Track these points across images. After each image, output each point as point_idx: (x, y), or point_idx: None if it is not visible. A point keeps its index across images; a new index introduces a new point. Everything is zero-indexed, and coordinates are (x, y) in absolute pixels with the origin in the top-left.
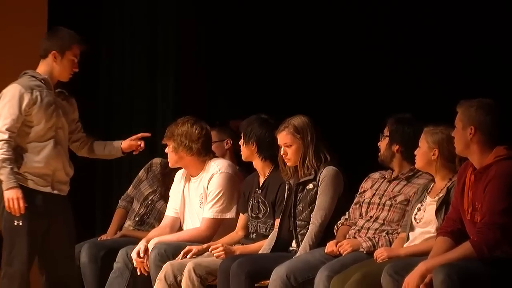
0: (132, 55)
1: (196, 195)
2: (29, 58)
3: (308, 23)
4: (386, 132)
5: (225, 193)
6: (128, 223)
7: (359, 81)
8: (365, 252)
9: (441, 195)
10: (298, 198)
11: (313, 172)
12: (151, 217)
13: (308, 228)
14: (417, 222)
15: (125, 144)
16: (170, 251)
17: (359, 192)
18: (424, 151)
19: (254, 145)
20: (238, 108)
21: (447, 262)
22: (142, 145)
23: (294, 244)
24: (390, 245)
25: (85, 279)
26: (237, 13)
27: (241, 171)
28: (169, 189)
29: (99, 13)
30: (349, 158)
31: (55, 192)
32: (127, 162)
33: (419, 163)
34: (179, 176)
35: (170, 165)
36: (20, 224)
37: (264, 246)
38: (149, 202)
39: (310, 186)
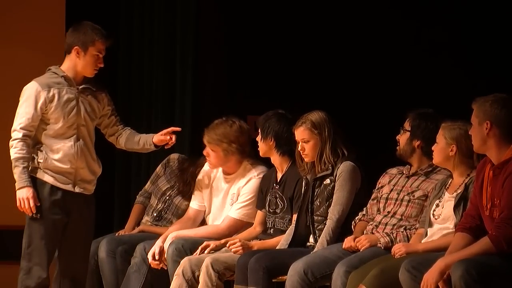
0: (151, 48)
1: (227, 193)
2: (50, 53)
3: (327, 18)
4: (407, 126)
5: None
6: (146, 218)
7: (377, 75)
8: (383, 248)
9: (459, 191)
10: (315, 193)
11: (330, 167)
12: (168, 212)
13: (325, 224)
14: (435, 218)
15: (156, 138)
16: (187, 246)
17: (376, 188)
18: (442, 147)
19: (272, 140)
20: (257, 103)
21: (466, 258)
22: (173, 139)
23: (311, 239)
24: (408, 240)
25: (103, 274)
26: (258, 8)
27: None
28: (186, 184)
29: (118, 6)
30: (366, 152)
31: (77, 190)
32: (145, 157)
33: (436, 158)
34: (208, 170)
35: (212, 167)
36: (39, 217)
37: (282, 241)
38: (167, 197)
39: (327, 181)
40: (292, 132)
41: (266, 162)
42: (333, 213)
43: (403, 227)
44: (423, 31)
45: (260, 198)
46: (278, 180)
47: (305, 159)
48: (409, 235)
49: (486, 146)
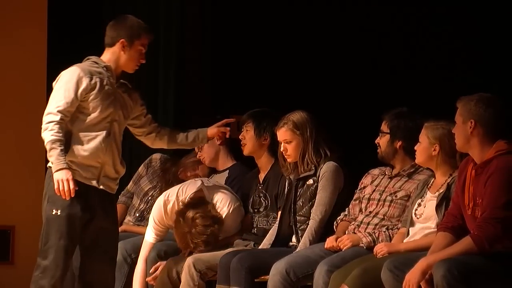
0: None
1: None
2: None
3: (310, 19)
4: (385, 129)
5: None
6: (128, 218)
7: (359, 76)
8: (365, 247)
9: (441, 190)
10: (298, 194)
11: (313, 168)
12: (151, 212)
13: (308, 224)
14: (418, 218)
15: (212, 131)
16: (169, 252)
17: (358, 188)
18: (425, 146)
19: (268, 138)
20: (240, 103)
21: (448, 257)
22: (228, 132)
23: (294, 239)
24: (390, 240)
25: None
26: (242, 7)
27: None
28: (169, 184)
29: (100, 5)
30: (349, 152)
31: (101, 187)
32: (127, 157)
33: (419, 158)
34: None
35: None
36: (58, 213)
37: (264, 241)
38: (149, 197)
39: (310, 181)
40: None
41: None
42: (316, 213)
43: (385, 226)
44: (402, 32)
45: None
46: (262, 180)
47: (287, 159)
48: (391, 234)
49: (469, 145)
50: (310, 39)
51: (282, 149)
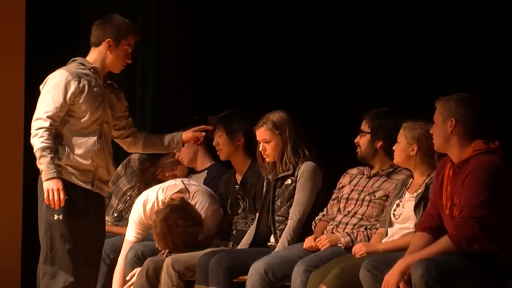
0: None
1: None
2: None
3: (286, 19)
4: (366, 128)
5: None
6: (106, 218)
7: (337, 75)
8: (343, 247)
9: (419, 191)
10: (276, 194)
11: (291, 168)
12: (129, 212)
13: (286, 224)
14: (396, 218)
15: (186, 135)
16: (147, 253)
17: (337, 188)
18: (403, 146)
19: (242, 139)
20: (219, 103)
21: (426, 257)
22: (202, 138)
23: (272, 239)
24: (369, 240)
25: None
26: (220, 8)
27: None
28: (147, 185)
29: (80, 4)
30: (327, 152)
31: (96, 190)
32: None
33: (397, 158)
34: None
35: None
36: (60, 218)
37: (243, 241)
38: (128, 198)
39: (289, 181)
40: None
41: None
42: (294, 213)
43: (364, 226)
44: (380, 32)
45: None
46: (240, 181)
47: (266, 159)
48: (369, 234)
49: (448, 144)
50: (289, 39)
51: (260, 148)
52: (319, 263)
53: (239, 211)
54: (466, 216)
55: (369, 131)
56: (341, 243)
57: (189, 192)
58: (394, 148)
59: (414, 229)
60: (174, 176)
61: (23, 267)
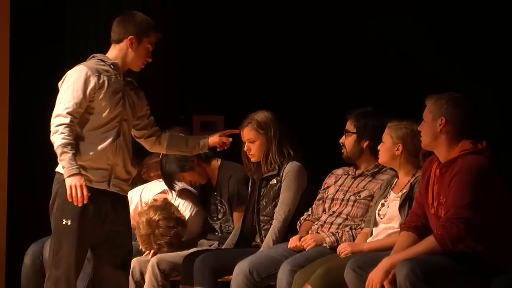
0: (97, 47)
1: None
2: None
3: (271, 19)
4: (351, 128)
5: None
6: None
7: (321, 75)
8: (328, 247)
9: (404, 191)
10: (261, 193)
11: (276, 168)
12: None
13: (271, 223)
14: (381, 218)
15: (213, 140)
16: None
17: (322, 188)
18: (388, 146)
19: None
20: (203, 102)
21: (411, 257)
22: (228, 143)
23: (257, 239)
24: (354, 240)
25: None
26: (207, 8)
27: None
28: (133, 184)
29: (64, 3)
30: (312, 153)
31: (112, 190)
32: None
33: (382, 158)
34: None
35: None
36: (69, 223)
37: (228, 241)
38: None
39: (274, 181)
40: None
41: None
42: (279, 213)
43: (349, 226)
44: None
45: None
46: (215, 186)
47: (251, 159)
48: (354, 234)
49: (436, 143)
50: (274, 40)
51: (245, 148)
52: (305, 263)
53: (220, 216)
54: (452, 217)
55: (355, 131)
56: (326, 243)
57: (172, 193)
58: (379, 148)
59: (399, 229)
60: (159, 176)
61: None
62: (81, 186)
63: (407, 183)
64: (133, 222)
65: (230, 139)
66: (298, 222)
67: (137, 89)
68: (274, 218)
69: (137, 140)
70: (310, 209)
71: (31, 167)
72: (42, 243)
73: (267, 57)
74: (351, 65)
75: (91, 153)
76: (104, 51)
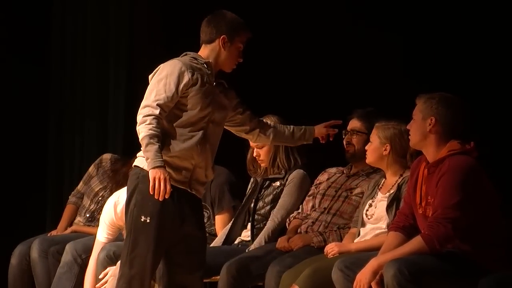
0: (84, 45)
1: None
2: None
3: (271, 23)
4: (362, 129)
5: None
6: (78, 219)
7: (322, 78)
8: (315, 247)
9: (392, 191)
10: (262, 193)
11: (283, 172)
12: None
13: (264, 224)
14: (368, 218)
15: (320, 130)
16: (119, 253)
17: (314, 184)
18: (376, 146)
19: None
20: None
21: (398, 257)
22: (332, 135)
23: (244, 235)
24: (341, 240)
25: (35, 275)
26: (195, 6)
27: None
28: (119, 185)
29: (50, 3)
30: (311, 158)
31: (193, 192)
32: (78, 157)
33: (370, 158)
34: None
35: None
36: (148, 221)
37: (216, 240)
38: (100, 198)
39: (277, 184)
40: None
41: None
42: (276, 215)
43: (337, 225)
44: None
45: None
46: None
47: (261, 164)
48: (342, 234)
49: (425, 142)
50: (277, 44)
51: (255, 154)
52: (293, 263)
53: (205, 220)
54: (440, 217)
55: (366, 131)
56: (313, 243)
57: None
58: (366, 147)
59: (386, 229)
60: None
61: None
62: (165, 179)
63: (395, 184)
64: (120, 223)
65: (336, 130)
66: (287, 219)
67: (226, 90)
68: (269, 219)
69: (239, 135)
70: (300, 206)
71: (16, 168)
72: (29, 244)
73: (271, 61)
74: (345, 69)
75: (177, 150)
76: (90, 55)
